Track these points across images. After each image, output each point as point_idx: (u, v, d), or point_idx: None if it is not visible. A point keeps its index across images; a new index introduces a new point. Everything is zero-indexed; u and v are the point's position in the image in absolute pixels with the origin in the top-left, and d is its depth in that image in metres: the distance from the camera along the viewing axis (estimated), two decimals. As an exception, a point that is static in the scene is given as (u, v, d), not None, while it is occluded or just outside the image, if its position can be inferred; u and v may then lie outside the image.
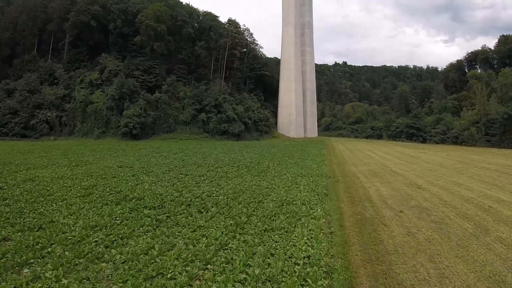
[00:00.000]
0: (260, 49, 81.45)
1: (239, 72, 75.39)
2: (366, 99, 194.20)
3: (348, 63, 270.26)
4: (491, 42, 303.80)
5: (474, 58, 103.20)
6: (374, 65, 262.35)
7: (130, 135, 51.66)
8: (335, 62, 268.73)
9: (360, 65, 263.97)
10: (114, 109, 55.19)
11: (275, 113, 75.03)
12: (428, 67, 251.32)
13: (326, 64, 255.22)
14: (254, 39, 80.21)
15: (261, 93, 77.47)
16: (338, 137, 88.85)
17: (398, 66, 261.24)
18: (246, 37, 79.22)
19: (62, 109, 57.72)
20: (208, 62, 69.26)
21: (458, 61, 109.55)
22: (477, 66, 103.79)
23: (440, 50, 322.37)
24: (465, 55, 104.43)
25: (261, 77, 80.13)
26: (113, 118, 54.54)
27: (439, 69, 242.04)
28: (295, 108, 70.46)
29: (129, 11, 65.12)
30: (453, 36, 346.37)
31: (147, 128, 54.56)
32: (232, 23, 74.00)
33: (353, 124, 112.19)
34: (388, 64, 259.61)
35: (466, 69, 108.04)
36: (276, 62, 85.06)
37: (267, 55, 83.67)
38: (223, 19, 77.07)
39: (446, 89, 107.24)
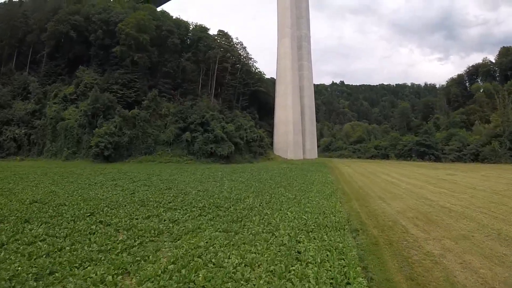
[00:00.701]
0: (255, 64, 75.25)
1: (231, 88, 68.83)
2: (365, 118, 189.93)
3: (346, 83, 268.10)
4: (486, 58, 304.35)
5: (475, 72, 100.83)
6: (372, 84, 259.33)
7: (102, 157, 44.82)
8: (332, 81, 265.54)
9: (358, 84, 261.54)
10: (86, 126, 48.79)
11: (271, 133, 67.96)
12: (426, 84, 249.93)
13: (323, 84, 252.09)
14: (248, 53, 74.20)
15: (255, 111, 70.72)
16: (340, 158, 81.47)
17: (395, 84, 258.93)
18: (239, 51, 73.22)
19: (32, 126, 51.51)
20: (196, 76, 62.75)
21: (459, 75, 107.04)
22: (478, 80, 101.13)
23: (435, 69, 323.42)
24: (465, 69, 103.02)
25: (256, 94, 73.64)
26: (85, 137, 48.07)
27: (437, 86, 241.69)
28: (293, 127, 63.48)
29: (111, 21, 59.30)
30: (447, 54, 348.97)
31: (122, 149, 47.32)
32: (222, 34, 68.03)
33: (354, 144, 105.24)
34: (386, 83, 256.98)
35: (467, 83, 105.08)
36: (273, 82, 78.58)
37: (265, 75, 77.48)
38: (214, 31, 71.30)
39: (448, 104, 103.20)
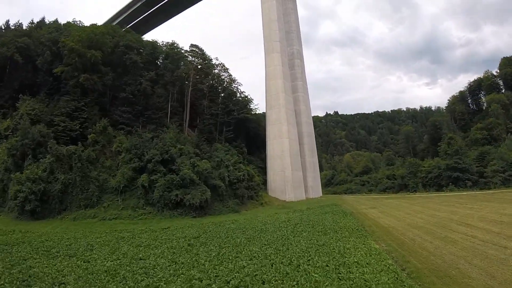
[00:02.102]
0: (239, 87, 63.16)
1: (210, 117, 56.16)
2: (364, 147, 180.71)
3: (340, 113, 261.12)
4: (471, 79, 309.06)
5: (477, 86, 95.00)
6: (367, 112, 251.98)
7: (29, 213, 32.54)
8: (326, 112, 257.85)
9: (352, 114, 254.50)
10: (12, 170, 36.30)
11: (263, 170, 54.46)
12: (422, 107, 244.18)
13: (317, 116, 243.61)
14: (231, 75, 62.34)
15: (243, 144, 57.61)
16: (350, 194, 67.54)
17: (391, 110, 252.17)
18: (220, 72, 61.44)
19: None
20: (163, 102, 50.18)
21: (460, 92, 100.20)
22: (481, 94, 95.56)
23: (424, 93, 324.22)
24: (466, 85, 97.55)
25: (243, 123, 61.01)
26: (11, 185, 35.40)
27: (433, 108, 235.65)
28: (290, 160, 50.18)
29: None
30: (435, 78, 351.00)
31: (53, 201, 34.14)
32: (196, 51, 56.17)
33: (361, 175, 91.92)
34: (381, 110, 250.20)
35: (469, 100, 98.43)
36: (264, 117, 66.10)
37: (252, 100, 65.02)
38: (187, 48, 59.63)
39: (455, 122, 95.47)
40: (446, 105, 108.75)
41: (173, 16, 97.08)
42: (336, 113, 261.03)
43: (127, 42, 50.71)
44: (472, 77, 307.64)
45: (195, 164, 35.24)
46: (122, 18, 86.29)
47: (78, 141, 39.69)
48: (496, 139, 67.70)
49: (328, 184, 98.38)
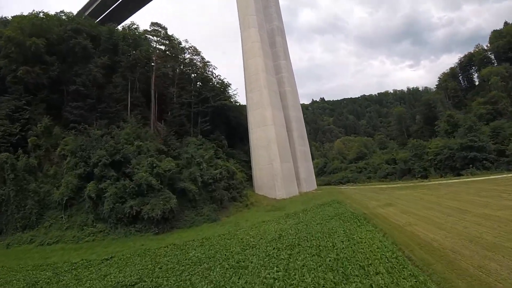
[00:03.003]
0: (214, 71, 54.92)
1: (181, 107, 47.98)
2: (353, 132, 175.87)
3: (326, 99, 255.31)
4: (454, 58, 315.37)
5: (468, 61, 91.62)
6: (354, 96, 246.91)
7: None
8: (312, 99, 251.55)
9: (339, 99, 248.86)
10: None
11: (249, 165, 46.76)
12: (409, 88, 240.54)
13: (303, 103, 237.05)
14: (204, 59, 54.01)
15: (222, 136, 49.69)
16: (349, 185, 60.25)
17: (378, 93, 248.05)
18: (192, 57, 53.14)
19: None
20: (120, 92, 41.71)
21: (451, 69, 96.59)
22: (472, 70, 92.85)
23: (407, 75, 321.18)
24: (457, 61, 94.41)
25: (221, 112, 53.04)
26: None
27: (421, 88, 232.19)
28: (278, 150, 42.45)
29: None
30: (418, 60, 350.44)
31: None
32: (157, 29, 47.43)
33: (356, 162, 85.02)
34: (367, 94, 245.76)
35: (460, 77, 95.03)
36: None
37: (229, 84, 56.91)
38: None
39: (448, 100, 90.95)
40: (437, 83, 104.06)
41: (142, 7, 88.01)
42: (322, 99, 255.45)
43: (76, 25, 41.99)
44: (455, 56, 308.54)
45: (154, 165, 27.09)
46: (90, 11, 76.60)
47: (20, 147, 31.40)
48: (502, 113, 61.59)
49: (320, 173, 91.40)
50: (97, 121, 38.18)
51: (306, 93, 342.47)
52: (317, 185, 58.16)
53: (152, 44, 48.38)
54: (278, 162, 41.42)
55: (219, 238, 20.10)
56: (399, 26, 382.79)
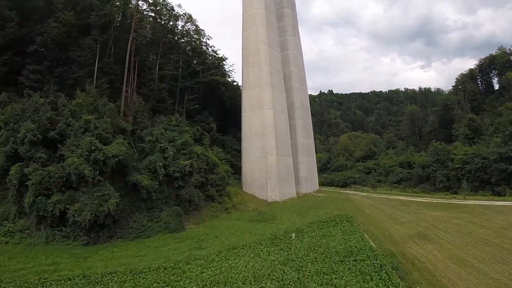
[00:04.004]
0: (208, 41, 46.47)
1: (164, 79, 39.88)
2: (360, 128, 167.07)
3: (334, 92, 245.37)
4: (466, 63, 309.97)
5: (489, 64, 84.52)
6: (363, 92, 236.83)
7: None
8: (320, 91, 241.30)
9: (348, 93, 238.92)
10: None
11: (238, 155, 38.67)
12: (420, 88, 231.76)
13: (311, 94, 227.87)
14: (197, 26, 45.49)
15: (210, 118, 41.69)
16: (356, 189, 51.96)
17: (388, 91, 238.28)
18: (185, 25, 44.73)
19: None
20: (86, 56, 33.54)
21: (470, 70, 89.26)
22: (494, 73, 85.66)
23: (417, 76, 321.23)
24: (477, 63, 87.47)
25: (214, 90, 45.18)
26: None
27: (432, 89, 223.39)
28: (275, 141, 34.33)
29: None
30: (429, 61, 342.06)
31: None
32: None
33: (363, 160, 76.69)
34: (377, 90, 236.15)
35: (479, 80, 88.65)
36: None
37: (225, 59, 48.45)
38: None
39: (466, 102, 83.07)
40: (453, 85, 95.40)
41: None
42: (330, 92, 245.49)
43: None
44: (468, 61, 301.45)
45: (93, 147, 19.12)
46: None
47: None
48: None
49: (323, 169, 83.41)
50: (52, 87, 30.18)
51: (314, 86, 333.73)
52: (319, 185, 50.23)
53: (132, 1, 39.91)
54: (274, 156, 33.31)
55: (156, 275, 12.30)
56: (413, 26, 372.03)
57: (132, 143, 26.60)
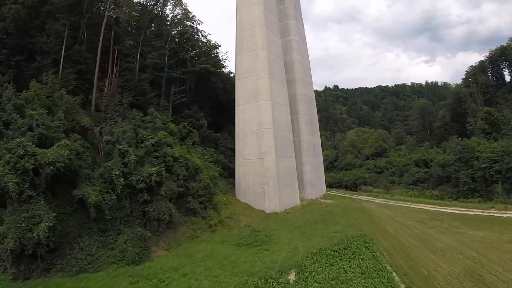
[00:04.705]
0: (199, 26, 41.11)
1: (145, 68, 34.70)
2: (367, 123, 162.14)
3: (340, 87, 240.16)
4: (470, 57, 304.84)
5: (500, 56, 77.34)
6: (369, 86, 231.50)
7: None
8: (326, 86, 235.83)
9: (354, 88, 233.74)
10: None
11: (233, 155, 33.15)
12: (427, 83, 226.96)
13: (316, 90, 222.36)
14: (187, 9, 40.15)
15: (201, 113, 36.43)
16: (370, 192, 46.23)
17: (395, 85, 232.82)
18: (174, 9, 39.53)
19: None
20: (51, 43, 28.41)
21: (480, 62, 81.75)
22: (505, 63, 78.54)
23: (422, 71, 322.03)
24: (487, 54, 79.70)
25: (205, 82, 39.85)
26: None
27: (439, 83, 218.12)
28: (274, 139, 28.93)
29: None
30: (433, 56, 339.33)
31: None
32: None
33: (373, 158, 70.84)
34: (383, 84, 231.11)
35: (489, 72, 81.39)
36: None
37: (218, 46, 42.98)
38: None
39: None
40: (463, 77, 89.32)
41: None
42: (336, 87, 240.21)
43: None
44: (472, 55, 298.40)
45: (22, 152, 13.99)
46: None
47: None
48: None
49: (330, 167, 77.87)
50: (6, 78, 25.11)
51: (319, 82, 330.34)
52: (326, 187, 44.84)
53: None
54: (273, 157, 27.92)
55: None
56: (417, 21, 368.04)
57: (98, 144, 21.56)
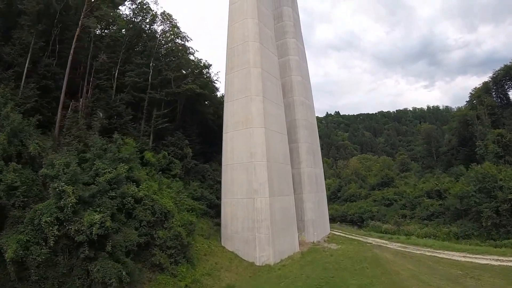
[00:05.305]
0: (187, 43, 37.14)
1: (123, 88, 30.48)
2: (370, 150, 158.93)
3: (341, 113, 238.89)
4: (469, 81, 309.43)
5: (504, 76, 74.50)
6: (370, 112, 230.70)
7: None
8: (327, 112, 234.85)
9: (355, 114, 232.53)
10: None
11: (220, 191, 28.02)
12: (429, 107, 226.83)
13: (317, 116, 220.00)
14: (176, 26, 36.35)
15: (185, 140, 31.86)
16: (381, 233, 40.48)
17: (396, 110, 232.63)
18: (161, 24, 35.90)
19: None
20: (14, 54, 24.38)
21: (484, 83, 79.02)
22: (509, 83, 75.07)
23: (422, 96, 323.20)
24: (491, 75, 76.54)
25: (192, 105, 35.74)
26: None
27: (441, 107, 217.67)
28: (269, 173, 24.09)
29: None
30: (432, 81, 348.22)
31: None
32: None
33: (379, 188, 65.54)
34: (385, 110, 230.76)
35: (493, 93, 78.22)
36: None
37: (206, 63, 38.86)
38: None
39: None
40: (468, 100, 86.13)
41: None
42: (337, 113, 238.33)
43: None
44: (470, 78, 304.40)
45: None
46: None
47: None
48: None
49: (333, 198, 72.39)
50: None
51: (320, 109, 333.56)
52: (329, 220, 39.59)
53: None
54: (266, 196, 22.94)
55: None
56: (415, 46, 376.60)
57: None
